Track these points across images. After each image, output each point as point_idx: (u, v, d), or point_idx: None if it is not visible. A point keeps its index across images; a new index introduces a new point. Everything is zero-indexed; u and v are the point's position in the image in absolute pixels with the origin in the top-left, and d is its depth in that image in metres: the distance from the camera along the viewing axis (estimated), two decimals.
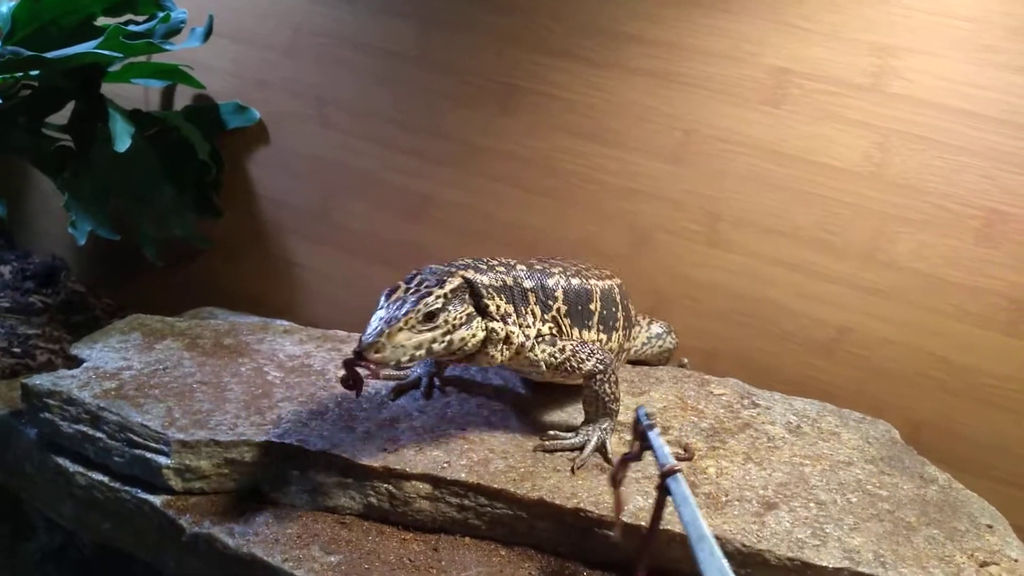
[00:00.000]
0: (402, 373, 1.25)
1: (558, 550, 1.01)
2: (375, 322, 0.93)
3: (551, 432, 1.12)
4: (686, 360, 1.44)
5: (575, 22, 1.47)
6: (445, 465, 1.04)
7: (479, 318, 1.02)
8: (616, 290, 1.24)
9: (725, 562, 0.49)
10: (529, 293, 1.09)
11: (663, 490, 0.66)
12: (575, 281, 1.16)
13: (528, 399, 1.22)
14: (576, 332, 1.15)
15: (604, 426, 1.11)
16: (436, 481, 1.03)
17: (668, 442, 1.13)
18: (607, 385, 1.10)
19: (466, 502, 1.02)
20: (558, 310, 1.13)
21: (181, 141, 1.73)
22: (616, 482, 0.85)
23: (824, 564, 0.91)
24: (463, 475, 1.02)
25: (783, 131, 1.37)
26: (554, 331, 1.11)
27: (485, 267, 1.07)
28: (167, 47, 1.48)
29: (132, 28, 1.51)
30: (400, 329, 0.93)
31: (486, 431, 1.13)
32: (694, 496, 0.58)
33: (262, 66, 1.78)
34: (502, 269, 1.09)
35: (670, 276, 1.50)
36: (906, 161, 1.30)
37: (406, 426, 1.13)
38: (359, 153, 1.73)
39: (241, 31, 1.78)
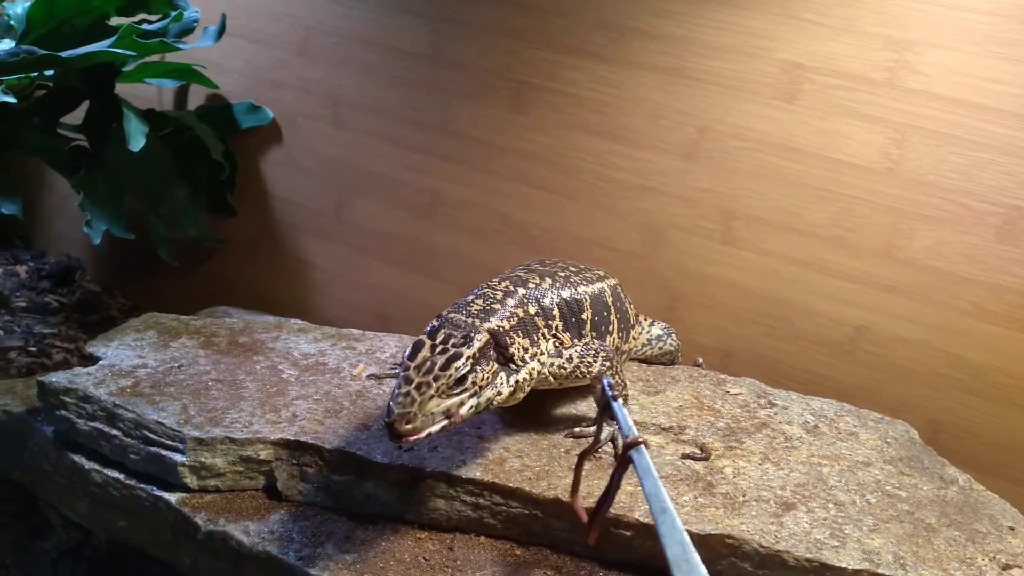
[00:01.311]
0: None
1: (574, 550, 1.01)
2: (404, 387, 0.88)
3: (577, 430, 1.13)
4: (701, 360, 1.43)
5: (586, 19, 1.46)
6: (460, 463, 1.04)
7: (503, 373, 0.99)
8: (607, 292, 1.23)
9: (686, 535, 0.48)
10: (536, 318, 1.09)
11: (624, 461, 0.65)
12: (566, 293, 1.15)
13: (542, 397, 1.22)
14: (570, 340, 1.15)
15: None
16: (451, 479, 1.02)
17: (684, 442, 1.12)
18: (615, 377, 1.10)
19: (481, 501, 1.02)
20: (557, 327, 1.12)
21: (195, 141, 1.74)
22: (582, 460, 0.84)
23: (843, 566, 0.90)
24: (478, 473, 1.02)
25: (797, 127, 1.36)
26: (556, 345, 1.11)
27: (498, 304, 1.05)
28: (180, 46, 1.49)
29: (145, 27, 1.51)
30: (431, 397, 0.89)
31: (501, 429, 1.13)
32: (656, 470, 0.58)
33: (275, 66, 1.79)
34: (512, 302, 1.06)
35: (684, 274, 1.50)
36: (923, 157, 1.28)
37: None
38: (372, 152, 1.74)
39: (254, 31, 1.78)
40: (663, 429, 1.15)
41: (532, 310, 1.09)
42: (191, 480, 1.07)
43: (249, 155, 1.86)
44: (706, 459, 1.08)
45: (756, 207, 1.41)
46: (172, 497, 1.07)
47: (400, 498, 1.03)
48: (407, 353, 0.93)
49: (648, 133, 1.46)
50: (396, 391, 0.89)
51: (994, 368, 1.30)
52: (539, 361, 1.06)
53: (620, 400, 0.79)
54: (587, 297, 1.19)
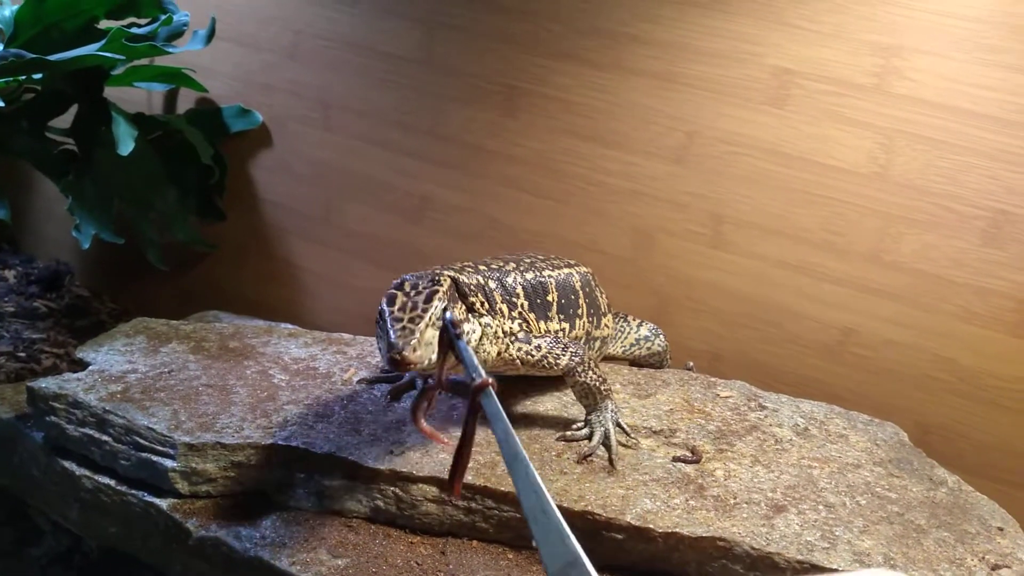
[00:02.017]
0: (395, 375, 1.25)
1: None
2: (398, 326, 0.92)
3: (568, 433, 1.13)
4: (691, 363, 1.44)
5: (577, 24, 1.47)
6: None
7: (471, 317, 1.04)
8: (576, 277, 1.26)
9: (540, 483, 0.46)
10: (495, 293, 1.12)
11: (475, 406, 0.62)
12: (529, 275, 1.19)
13: (533, 402, 1.22)
14: (540, 324, 1.18)
15: (605, 415, 1.12)
16: (443, 484, 1.02)
17: (675, 445, 1.13)
18: (590, 373, 1.11)
19: (473, 505, 1.02)
20: (522, 306, 1.15)
21: (184, 145, 1.74)
22: (416, 413, 0.82)
23: (834, 567, 0.91)
24: (470, 477, 1.02)
25: (786, 132, 1.36)
26: (524, 327, 1.14)
27: (457, 267, 1.11)
28: (170, 50, 1.48)
29: (135, 31, 1.51)
30: (428, 326, 0.92)
31: (491, 433, 1.12)
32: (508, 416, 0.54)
33: (265, 69, 1.78)
34: (470, 269, 1.12)
35: (674, 278, 1.50)
36: (910, 162, 1.30)
37: (412, 429, 1.12)
38: (362, 156, 1.74)
39: (244, 35, 1.78)
40: (654, 432, 1.15)
41: (492, 285, 1.12)
42: (182, 486, 1.06)
43: (239, 159, 1.86)
44: (697, 462, 1.09)
45: (745, 211, 1.42)
46: (163, 503, 1.06)
47: (392, 503, 1.03)
48: (383, 304, 0.96)
49: (638, 138, 1.46)
50: (390, 330, 0.91)
51: (982, 370, 1.32)
52: (501, 329, 1.09)
53: (465, 340, 0.78)
54: (552, 280, 1.22)
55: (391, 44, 1.65)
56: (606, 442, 1.10)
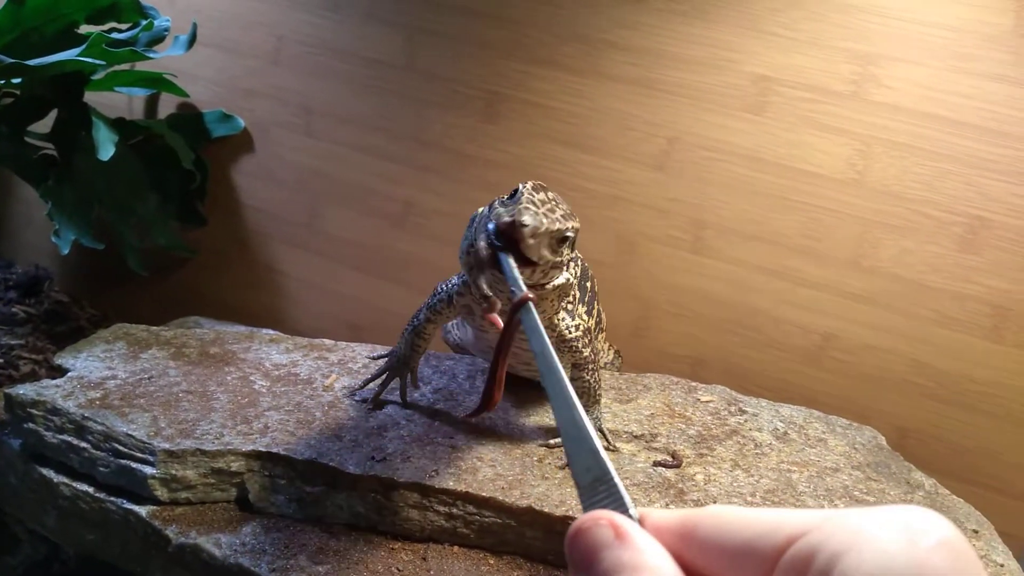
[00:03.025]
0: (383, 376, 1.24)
1: (547, 558, 1.01)
2: (529, 207, 0.82)
3: (552, 442, 1.13)
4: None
5: (557, 31, 1.48)
6: (433, 473, 1.04)
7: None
8: (589, 271, 1.25)
9: (573, 394, 0.46)
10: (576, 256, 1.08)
11: (513, 319, 0.60)
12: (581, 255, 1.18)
13: (514, 406, 1.22)
14: (579, 307, 1.15)
15: (594, 416, 1.13)
16: (424, 490, 1.02)
17: (656, 449, 1.13)
18: (596, 375, 1.12)
19: (455, 511, 1.02)
20: (576, 277, 1.10)
21: (165, 150, 1.73)
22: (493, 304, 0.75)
23: None
24: (451, 483, 1.02)
25: (765, 139, 1.38)
26: (571, 303, 1.12)
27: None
28: (151, 55, 1.48)
29: (115, 36, 1.50)
30: (549, 233, 0.84)
31: (474, 439, 1.13)
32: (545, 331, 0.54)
33: (247, 75, 1.78)
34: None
35: (655, 284, 1.51)
36: (888, 168, 1.31)
37: (393, 435, 1.12)
38: (344, 161, 1.73)
39: (226, 40, 1.78)
40: (635, 437, 1.16)
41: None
42: (161, 493, 1.06)
43: (220, 164, 1.85)
44: (677, 466, 1.09)
45: (725, 217, 1.43)
46: (142, 510, 1.05)
47: (373, 509, 1.03)
48: (526, 185, 0.87)
49: (618, 144, 1.47)
50: (518, 202, 0.83)
51: (959, 375, 1.33)
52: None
53: (508, 254, 0.74)
54: (589, 269, 1.22)
55: (373, 50, 1.65)
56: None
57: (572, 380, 1.11)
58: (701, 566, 0.34)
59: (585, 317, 1.18)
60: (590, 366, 1.11)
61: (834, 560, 0.29)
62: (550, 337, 1.07)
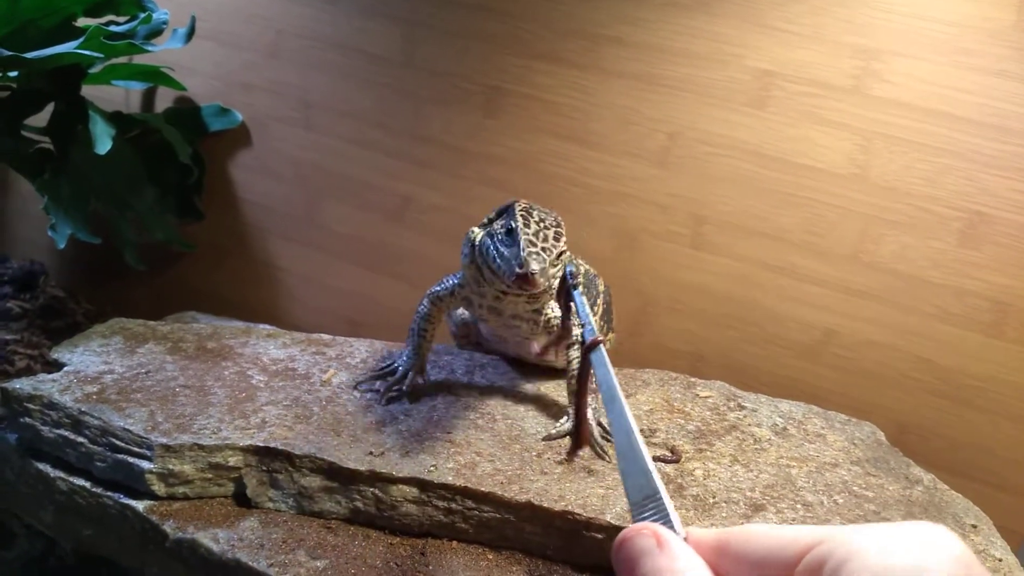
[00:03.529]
0: (388, 373, 1.25)
1: (546, 553, 1.01)
2: (530, 248, 0.93)
3: (553, 431, 1.13)
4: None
5: (559, 26, 1.47)
6: (432, 468, 1.03)
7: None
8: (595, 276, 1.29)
9: (632, 420, 0.52)
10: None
11: (587, 364, 0.69)
12: (586, 262, 1.25)
13: (513, 402, 1.22)
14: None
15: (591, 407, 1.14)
16: (423, 485, 1.02)
17: (655, 445, 1.13)
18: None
19: (453, 506, 1.02)
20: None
21: (163, 143, 1.72)
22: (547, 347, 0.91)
23: None
24: (450, 478, 1.02)
25: (767, 134, 1.37)
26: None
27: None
28: (149, 48, 1.47)
29: (113, 29, 1.49)
30: (556, 259, 0.96)
31: (473, 434, 1.12)
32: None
33: (245, 68, 1.77)
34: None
35: (656, 279, 1.50)
36: (889, 164, 1.31)
37: (392, 429, 1.12)
38: (343, 156, 1.73)
39: (224, 33, 1.77)
40: None
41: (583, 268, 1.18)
42: (159, 487, 1.05)
43: (218, 158, 1.84)
44: (676, 462, 1.09)
45: (726, 212, 1.42)
46: (139, 505, 1.05)
47: (371, 504, 1.03)
48: (519, 223, 0.96)
49: (620, 139, 1.47)
50: (525, 247, 0.93)
51: (958, 370, 1.33)
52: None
53: (580, 288, 0.83)
54: (601, 281, 1.27)
55: (373, 44, 1.64)
56: (592, 439, 1.10)
57: (568, 361, 1.15)
58: (734, 574, 0.37)
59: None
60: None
61: (843, 563, 0.31)
62: (542, 325, 1.11)
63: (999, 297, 1.28)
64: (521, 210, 1.00)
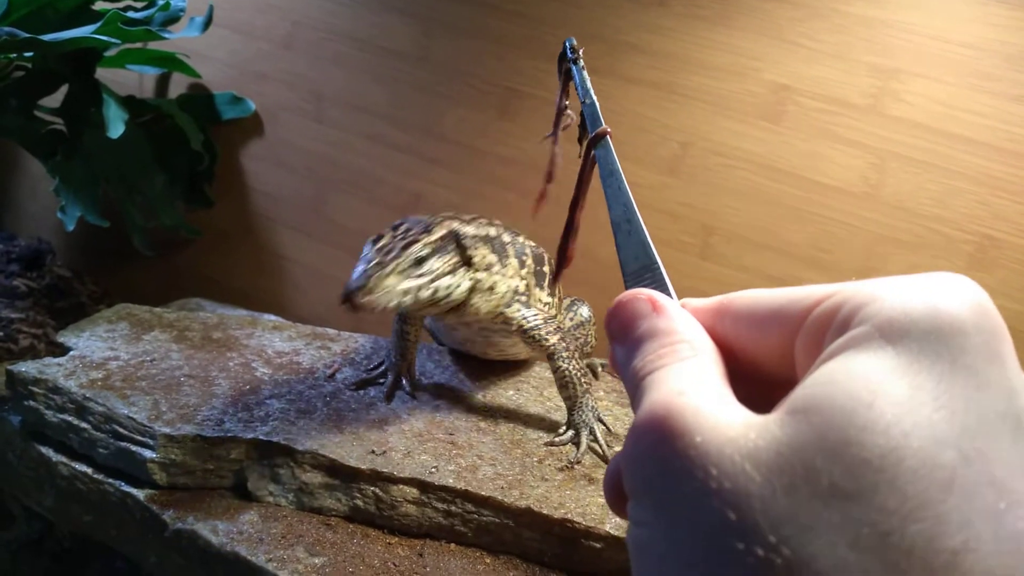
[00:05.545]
0: (380, 375, 1.25)
1: (543, 560, 1.01)
2: (362, 266, 0.92)
3: (556, 440, 1.13)
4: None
5: (577, 30, 1.47)
6: (433, 470, 1.04)
7: (464, 268, 1.03)
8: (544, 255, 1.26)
9: (630, 194, 0.47)
10: (508, 246, 1.12)
11: (590, 155, 0.56)
12: (531, 243, 1.20)
13: (517, 406, 1.22)
14: (536, 291, 1.18)
15: (587, 414, 1.13)
16: (423, 486, 1.02)
17: None
18: (573, 362, 1.12)
19: (453, 508, 1.02)
20: (528, 267, 1.16)
21: (174, 130, 1.72)
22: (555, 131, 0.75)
23: None
24: (451, 481, 1.02)
25: (780, 148, 1.37)
26: (526, 290, 1.15)
27: (468, 218, 1.09)
28: (166, 35, 1.47)
29: (131, 14, 1.49)
30: (389, 274, 0.92)
31: (475, 437, 1.12)
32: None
33: (260, 58, 1.77)
34: (484, 220, 1.12)
35: None
36: (901, 183, 1.31)
37: (394, 429, 1.12)
38: (354, 149, 1.73)
39: (240, 22, 1.77)
40: None
41: (506, 239, 1.13)
42: (160, 477, 1.06)
43: (229, 147, 1.84)
44: None
45: (736, 224, 1.42)
46: (140, 493, 1.05)
47: (371, 502, 1.03)
48: (371, 240, 0.97)
49: (633, 146, 1.46)
50: (356, 267, 0.92)
51: None
52: (505, 284, 1.09)
53: (581, 63, 0.70)
54: (544, 254, 1.22)
55: (389, 40, 1.64)
56: (593, 441, 1.10)
57: (553, 371, 1.13)
58: (733, 337, 0.35)
59: (549, 299, 1.21)
60: (564, 354, 1.11)
61: (855, 311, 0.29)
62: (512, 332, 1.11)
63: (1009, 323, 1.26)
64: (389, 226, 0.99)
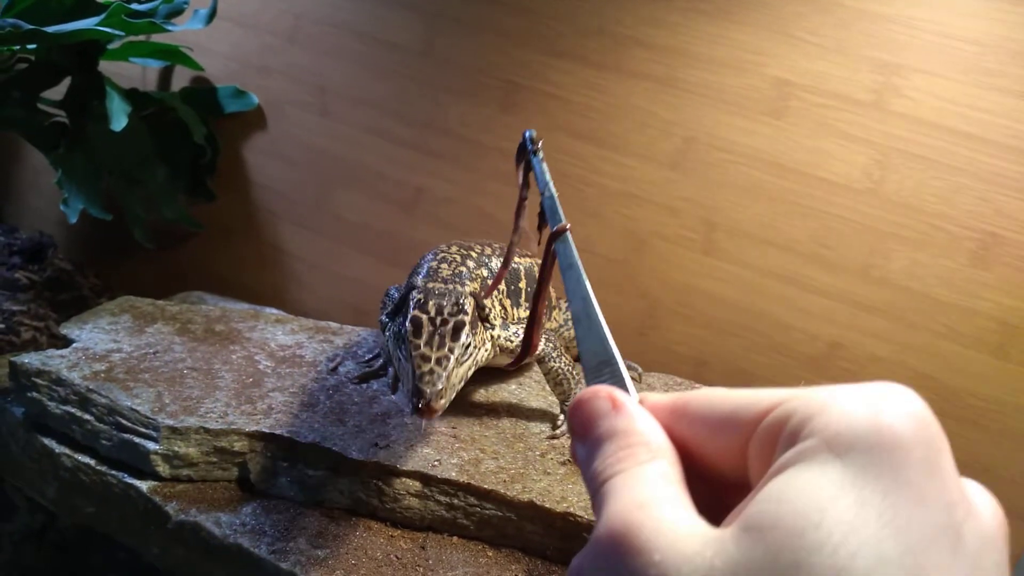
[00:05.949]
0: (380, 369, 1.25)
1: (545, 553, 1.01)
2: (425, 365, 0.88)
3: (558, 431, 1.14)
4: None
5: (580, 24, 1.47)
6: (436, 463, 1.04)
7: (483, 331, 1.02)
8: (535, 268, 1.26)
9: (589, 288, 0.48)
10: (488, 281, 1.13)
11: (552, 255, 0.57)
12: (500, 257, 1.20)
13: (517, 400, 1.22)
14: (514, 311, 1.20)
15: None
16: (426, 479, 1.02)
17: None
18: (562, 360, 1.13)
19: (455, 501, 1.02)
20: (502, 290, 1.17)
21: (177, 123, 1.72)
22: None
23: None
24: (453, 474, 1.02)
25: (783, 143, 1.37)
26: (502, 315, 1.16)
27: (463, 267, 1.09)
28: (170, 28, 1.47)
29: (135, 7, 1.49)
30: (454, 369, 0.90)
31: (477, 430, 1.13)
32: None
33: (263, 51, 1.77)
34: (471, 264, 1.12)
35: (664, 283, 1.51)
36: (904, 180, 1.30)
37: (397, 422, 1.12)
38: (357, 144, 1.73)
39: (243, 15, 1.77)
40: None
41: (485, 273, 1.13)
42: (163, 469, 1.06)
43: (232, 140, 1.84)
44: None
45: (738, 220, 1.42)
46: (143, 485, 1.05)
47: (374, 495, 1.03)
48: (408, 331, 0.92)
49: (635, 140, 1.46)
50: (416, 371, 0.88)
51: (963, 389, 1.33)
52: (499, 322, 1.10)
53: (541, 154, 0.71)
54: (521, 268, 1.23)
55: (392, 33, 1.64)
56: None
57: (544, 373, 1.15)
58: (689, 437, 0.37)
59: (526, 314, 1.19)
60: (553, 354, 1.13)
61: (804, 422, 0.31)
62: (500, 350, 1.10)
63: (1008, 319, 1.28)
64: (413, 314, 0.94)
